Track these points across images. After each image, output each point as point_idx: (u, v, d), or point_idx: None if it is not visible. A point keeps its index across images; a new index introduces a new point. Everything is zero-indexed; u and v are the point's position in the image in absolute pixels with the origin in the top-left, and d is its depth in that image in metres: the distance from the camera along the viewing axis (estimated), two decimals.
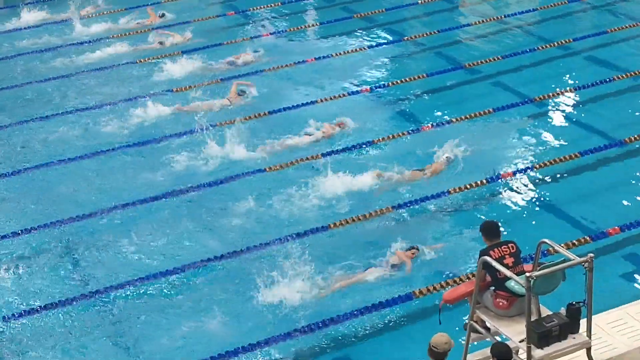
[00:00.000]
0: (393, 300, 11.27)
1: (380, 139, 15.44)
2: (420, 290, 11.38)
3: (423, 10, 22.23)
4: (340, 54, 19.36)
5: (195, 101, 17.10)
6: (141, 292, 11.88)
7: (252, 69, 18.70)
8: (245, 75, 18.30)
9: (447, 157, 14.33)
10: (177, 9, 22.59)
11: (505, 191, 13.80)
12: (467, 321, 8.88)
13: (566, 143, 15.03)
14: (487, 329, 8.77)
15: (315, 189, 13.87)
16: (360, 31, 20.79)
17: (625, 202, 13.20)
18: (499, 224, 9.09)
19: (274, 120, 16.52)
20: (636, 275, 11.65)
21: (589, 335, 8.34)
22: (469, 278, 11.18)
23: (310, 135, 15.61)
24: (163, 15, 22.02)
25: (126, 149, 15.64)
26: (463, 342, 8.95)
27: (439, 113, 16.45)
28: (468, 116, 16.09)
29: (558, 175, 14.10)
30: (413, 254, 12.04)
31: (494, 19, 21.23)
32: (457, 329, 9.59)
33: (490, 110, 16.26)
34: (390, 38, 20.26)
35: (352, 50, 19.58)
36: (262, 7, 22.64)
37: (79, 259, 12.73)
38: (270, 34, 20.93)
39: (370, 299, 11.30)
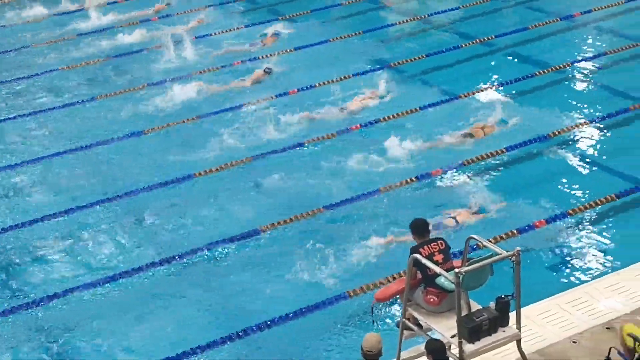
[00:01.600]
0: (328, 301, 11.28)
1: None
2: (354, 290, 11.41)
3: (348, 11, 22.32)
4: (267, 56, 19.41)
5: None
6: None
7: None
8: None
9: None
10: None
11: (432, 189, 13.94)
12: (399, 319, 8.93)
13: (491, 138, 15.22)
14: (420, 326, 8.83)
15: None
16: (286, 33, 20.83)
17: (550, 196, 13.43)
18: (427, 221, 9.16)
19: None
20: (563, 267, 11.87)
21: (519, 327, 8.46)
22: (401, 275, 11.25)
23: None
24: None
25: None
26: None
27: (367, 114, 16.50)
28: (395, 115, 16.19)
29: (484, 172, 14.29)
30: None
31: (417, 17, 21.47)
32: (389, 327, 9.65)
33: (417, 108, 16.40)
34: (316, 40, 20.28)
35: (280, 52, 19.62)
36: None
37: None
38: None
39: (305, 302, 11.30)
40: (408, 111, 16.32)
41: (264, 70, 18.47)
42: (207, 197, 14.13)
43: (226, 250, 12.71)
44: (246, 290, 11.87)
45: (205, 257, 12.59)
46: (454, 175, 14.18)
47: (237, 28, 21.55)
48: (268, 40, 20.48)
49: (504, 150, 14.69)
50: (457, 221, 12.75)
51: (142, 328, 11.24)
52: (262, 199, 14.07)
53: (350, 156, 14.85)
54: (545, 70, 17.68)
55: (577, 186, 13.69)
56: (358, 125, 15.98)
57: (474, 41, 19.44)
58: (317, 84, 17.78)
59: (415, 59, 18.79)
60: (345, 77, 17.98)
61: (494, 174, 14.23)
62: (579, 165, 14.33)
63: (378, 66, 18.59)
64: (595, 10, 20.71)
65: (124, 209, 13.95)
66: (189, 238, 13.09)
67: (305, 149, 15.37)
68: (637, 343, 8.79)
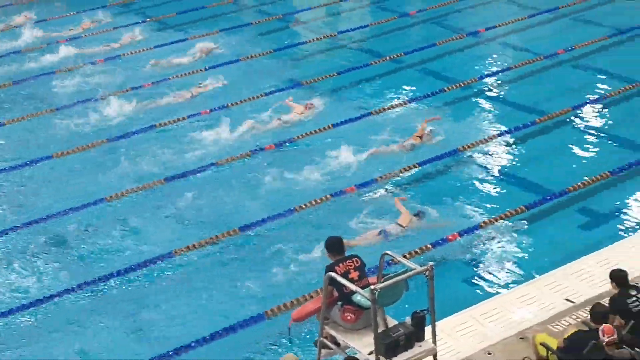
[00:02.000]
0: (246, 322, 11.19)
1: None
2: (272, 310, 11.36)
3: (258, 30, 22.33)
4: (179, 76, 19.28)
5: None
6: None
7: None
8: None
9: None
10: None
11: (344, 206, 14.02)
12: (317, 338, 8.91)
13: (398, 153, 15.33)
14: (337, 344, 8.83)
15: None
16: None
17: (461, 209, 13.65)
18: (342, 239, 9.18)
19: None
20: (477, 279, 12.06)
21: (435, 341, 8.54)
22: (318, 294, 11.24)
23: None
24: None
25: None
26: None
27: (283, 132, 16.49)
28: (307, 133, 16.25)
29: (396, 185, 14.44)
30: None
31: (328, 35, 21.62)
32: (307, 346, 9.63)
33: (330, 126, 16.49)
34: (228, 59, 20.22)
35: (190, 73, 19.51)
36: None
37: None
38: None
39: (222, 324, 11.19)
40: (323, 128, 16.40)
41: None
42: (120, 221, 13.89)
43: (141, 274, 12.50)
44: (163, 314, 11.69)
45: (120, 282, 12.35)
46: (370, 190, 14.28)
47: (149, 49, 21.31)
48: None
49: (417, 165, 14.87)
50: (401, 225, 12.93)
51: (53, 355, 10.94)
52: (176, 221, 13.90)
53: (266, 174, 14.83)
54: (454, 86, 18.01)
55: (487, 198, 13.94)
56: (272, 145, 15.96)
57: (384, 58, 19.68)
58: (229, 104, 17.70)
59: (326, 76, 18.91)
60: (257, 97, 17.95)
61: (408, 187, 14.39)
62: (489, 178, 14.60)
63: (290, 84, 18.63)
64: (499, 26, 21.24)
65: (36, 234, 13.59)
66: (102, 263, 12.84)
67: (220, 168, 15.27)
68: (549, 352, 8.98)
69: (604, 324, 8.48)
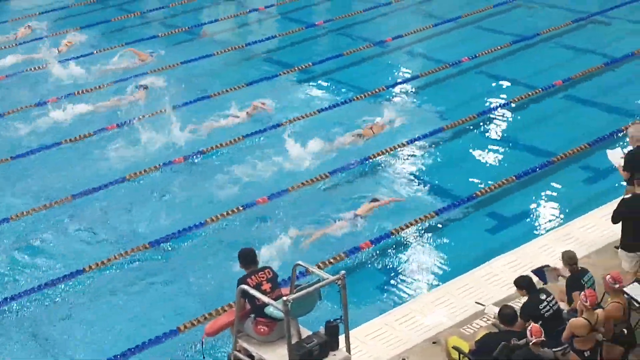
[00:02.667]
0: (158, 338, 11.03)
1: None
2: (184, 324, 11.22)
3: (165, 43, 22.10)
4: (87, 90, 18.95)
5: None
6: None
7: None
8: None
9: None
10: None
11: (256, 216, 13.98)
12: (230, 352, 8.84)
13: (308, 166, 15.33)
14: (252, 357, 8.77)
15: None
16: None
17: (370, 218, 13.72)
18: (255, 251, 9.14)
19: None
20: (389, 286, 12.16)
21: (349, 349, 8.57)
22: (231, 307, 11.16)
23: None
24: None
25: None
26: None
27: (191, 145, 16.35)
28: (216, 146, 16.14)
29: (300, 196, 14.44)
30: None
31: (235, 47, 21.55)
32: None
33: (241, 137, 16.42)
34: (134, 73, 19.93)
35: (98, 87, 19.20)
36: None
37: None
38: None
39: (135, 340, 10.99)
40: (234, 140, 16.33)
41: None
42: (27, 240, 13.54)
43: (50, 294, 12.19)
44: (74, 334, 11.44)
45: (30, 303, 12.01)
46: (281, 202, 14.26)
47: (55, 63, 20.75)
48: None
49: (328, 174, 14.92)
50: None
51: None
52: (86, 236, 13.64)
53: (176, 187, 14.69)
54: (362, 95, 18.16)
55: (397, 205, 14.05)
56: (181, 158, 15.80)
57: (293, 69, 19.72)
58: (139, 117, 17.42)
59: (235, 88, 18.82)
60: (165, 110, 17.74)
61: (318, 196, 14.43)
62: (398, 185, 14.74)
63: (199, 97, 18.47)
64: (405, 35, 21.52)
65: None
66: (10, 284, 12.48)
67: (127, 183, 15.03)
68: (461, 355, 9.11)
69: (532, 324, 8.64)
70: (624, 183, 11.92)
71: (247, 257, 8.99)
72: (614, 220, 10.94)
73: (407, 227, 13.28)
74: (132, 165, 15.59)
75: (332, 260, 12.39)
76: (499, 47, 20.17)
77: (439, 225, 13.40)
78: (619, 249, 11.06)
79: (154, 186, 14.99)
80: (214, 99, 18.39)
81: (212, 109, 17.72)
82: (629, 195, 11.06)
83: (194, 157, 15.84)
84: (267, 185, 14.63)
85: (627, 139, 12.16)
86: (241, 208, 13.95)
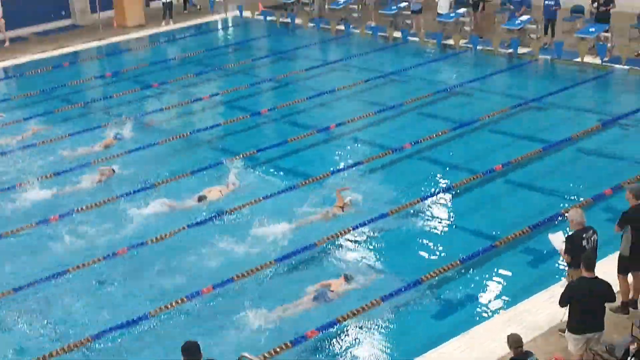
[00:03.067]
0: None
1: None
2: None
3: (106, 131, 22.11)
4: None
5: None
6: None
7: None
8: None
9: None
10: None
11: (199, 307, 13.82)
12: None
13: (253, 253, 15.27)
14: None
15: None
16: None
17: (313, 307, 13.66)
18: (198, 344, 9.02)
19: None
20: None
21: None
22: None
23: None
24: None
25: None
26: None
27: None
28: (161, 236, 16.04)
29: (245, 284, 14.34)
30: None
31: (180, 136, 21.61)
32: None
33: (184, 227, 16.33)
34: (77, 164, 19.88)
35: None
36: None
37: None
38: None
39: None
40: (177, 230, 16.23)
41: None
42: None
43: None
44: None
45: None
46: (227, 292, 14.13)
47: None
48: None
49: (273, 261, 14.89)
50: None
51: None
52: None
53: (116, 280, 14.50)
54: (307, 181, 18.26)
55: (343, 293, 14.01)
56: (125, 249, 15.64)
57: (238, 156, 19.76)
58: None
59: (179, 177, 18.79)
60: (113, 199, 17.58)
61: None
62: (343, 271, 14.68)
63: (144, 186, 18.39)
64: (349, 122, 21.84)
65: None
66: None
67: (68, 275, 14.80)
68: None
69: None
70: (565, 266, 12.11)
71: (191, 350, 8.87)
72: (562, 303, 11.08)
73: (354, 314, 13.22)
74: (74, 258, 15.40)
75: (277, 350, 12.25)
76: (439, 133, 20.56)
77: (386, 311, 13.38)
78: (566, 331, 11.17)
79: (98, 276, 14.77)
80: (157, 187, 18.32)
81: (159, 196, 17.64)
82: (575, 279, 11.26)
83: (135, 248, 15.69)
84: (212, 277, 14.53)
85: (568, 223, 12.38)
86: (185, 299, 13.79)
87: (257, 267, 14.68)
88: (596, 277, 10.93)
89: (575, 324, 10.99)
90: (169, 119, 23.50)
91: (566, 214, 13.56)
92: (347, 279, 13.94)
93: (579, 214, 12.07)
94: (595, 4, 26.16)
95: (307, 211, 16.69)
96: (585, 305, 10.85)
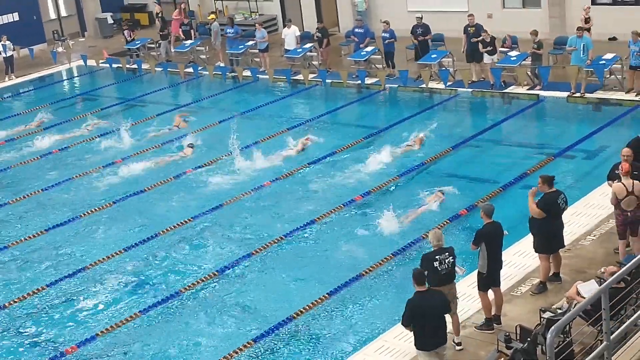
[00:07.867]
0: None
1: None
2: None
3: None
4: None
5: None
6: None
7: None
8: None
9: None
10: None
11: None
12: None
13: None
14: None
15: None
16: None
17: None
18: None
19: None
20: None
21: None
22: None
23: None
24: None
25: None
26: None
27: None
28: None
29: None
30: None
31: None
32: None
33: None
34: None
35: None
36: None
37: None
38: None
39: None
40: None
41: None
42: None
43: None
44: None
45: None
46: None
47: None
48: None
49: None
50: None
51: None
52: None
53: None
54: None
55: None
56: None
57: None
58: None
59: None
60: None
61: None
62: None
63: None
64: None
65: None
66: None
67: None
68: None
69: None
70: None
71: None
72: (405, 324, 11.34)
73: None
74: None
75: None
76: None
77: None
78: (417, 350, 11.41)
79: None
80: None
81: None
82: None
83: None
84: None
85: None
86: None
87: None
88: (429, 289, 11.26)
89: (424, 340, 11.21)
90: None
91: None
92: None
93: (435, 236, 12.24)
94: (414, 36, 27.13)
95: None
96: (429, 320, 11.11)
